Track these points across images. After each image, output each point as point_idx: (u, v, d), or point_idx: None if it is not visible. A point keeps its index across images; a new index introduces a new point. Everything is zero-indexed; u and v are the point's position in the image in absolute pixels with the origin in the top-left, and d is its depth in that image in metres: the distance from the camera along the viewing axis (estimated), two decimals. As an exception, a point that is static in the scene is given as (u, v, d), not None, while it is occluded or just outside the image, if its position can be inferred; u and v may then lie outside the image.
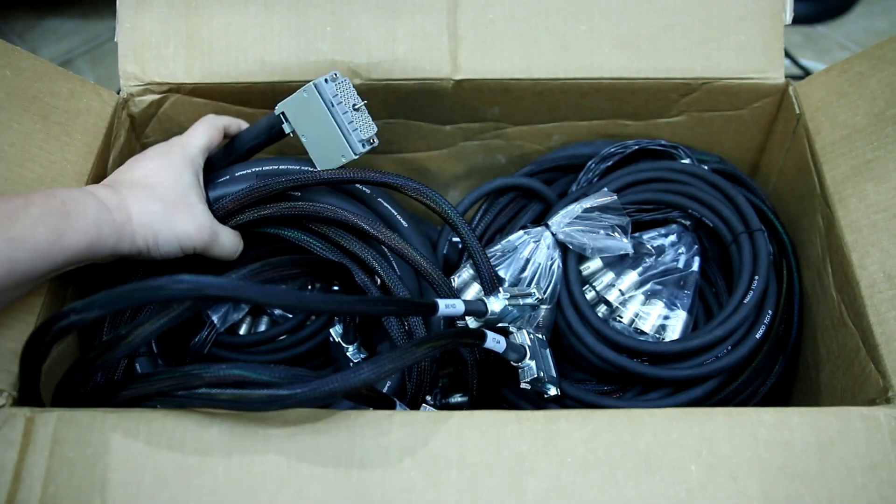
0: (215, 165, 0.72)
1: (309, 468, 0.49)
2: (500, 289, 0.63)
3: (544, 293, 0.69)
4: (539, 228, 0.72)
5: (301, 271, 0.63)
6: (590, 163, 0.76)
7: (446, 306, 0.56)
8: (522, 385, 0.61)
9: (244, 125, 0.73)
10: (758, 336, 0.67)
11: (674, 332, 0.69)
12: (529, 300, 0.63)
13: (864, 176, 0.64)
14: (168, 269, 0.65)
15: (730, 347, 0.67)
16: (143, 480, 0.49)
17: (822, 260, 0.67)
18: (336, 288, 0.79)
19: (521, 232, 0.72)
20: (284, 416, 0.52)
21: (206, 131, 0.68)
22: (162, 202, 0.60)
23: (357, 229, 0.68)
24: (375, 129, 0.68)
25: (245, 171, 0.71)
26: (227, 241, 0.65)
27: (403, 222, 0.73)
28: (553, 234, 0.71)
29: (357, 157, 0.67)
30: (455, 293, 0.68)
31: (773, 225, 0.74)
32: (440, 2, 0.75)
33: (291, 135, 0.69)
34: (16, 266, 0.50)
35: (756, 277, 0.68)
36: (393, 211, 0.73)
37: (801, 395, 0.72)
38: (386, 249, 0.69)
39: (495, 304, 0.60)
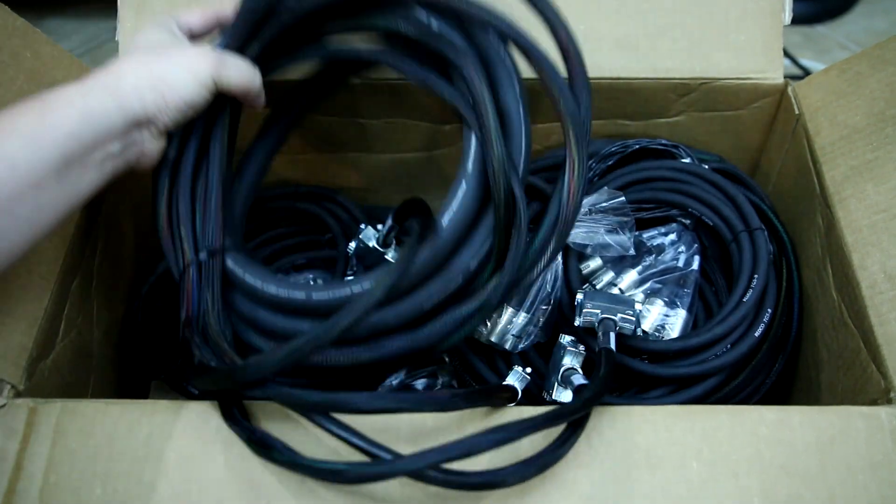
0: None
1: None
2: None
3: (548, 293, 0.70)
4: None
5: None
6: (590, 162, 0.76)
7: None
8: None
9: None
10: (757, 334, 0.67)
11: (674, 330, 0.69)
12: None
13: (864, 176, 0.64)
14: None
15: (729, 346, 0.67)
16: (145, 471, 0.49)
17: (822, 260, 0.67)
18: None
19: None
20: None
21: (195, 12, 0.64)
22: (150, 51, 0.57)
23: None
24: None
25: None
26: (239, 65, 0.60)
27: None
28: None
29: None
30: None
31: (773, 224, 0.74)
32: (440, 2, 0.75)
33: None
34: (10, 159, 0.48)
35: (756, 276, 0.68)
36: None
37: (801, 395, 0.72)
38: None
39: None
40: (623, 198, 0.71)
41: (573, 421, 0.50)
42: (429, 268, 0.56)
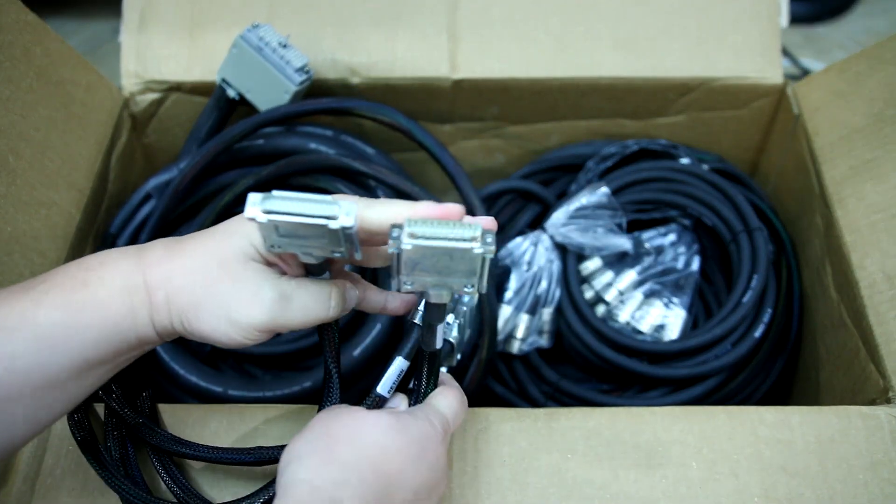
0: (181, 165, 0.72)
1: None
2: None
3: (546, 294, 0.69)
4: (536, 232, 0.72)
5: None
6: (589, 162, 0.76)
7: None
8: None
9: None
10: (757, 335, 0.67)
11: (673, 331, 0.69)
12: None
13: (863, 176, 0.64)
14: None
15: (729, 346, 0.67)
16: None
17: (821, 260, 0.67)
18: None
19: (520, 238, 0.72)
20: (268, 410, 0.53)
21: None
22: None
23: (338, 168, 0.70)
24: (307, 59, 0.70)
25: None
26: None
27: (370, 150, 0.74)
28: (550, 237, 0.71)
29: (298, 87, 0.69)
30: None
31: (773, 224, 0.74)
32: (440, 4, 0.75)
33: (238, 98, 0.71)
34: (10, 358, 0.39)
35: (755, 276, 0.68)
36: (358, 143, 0.74)
37: (800, 395, 0.72)
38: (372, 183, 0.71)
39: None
40: (607, 189, 0.71)
41: None
42: None
